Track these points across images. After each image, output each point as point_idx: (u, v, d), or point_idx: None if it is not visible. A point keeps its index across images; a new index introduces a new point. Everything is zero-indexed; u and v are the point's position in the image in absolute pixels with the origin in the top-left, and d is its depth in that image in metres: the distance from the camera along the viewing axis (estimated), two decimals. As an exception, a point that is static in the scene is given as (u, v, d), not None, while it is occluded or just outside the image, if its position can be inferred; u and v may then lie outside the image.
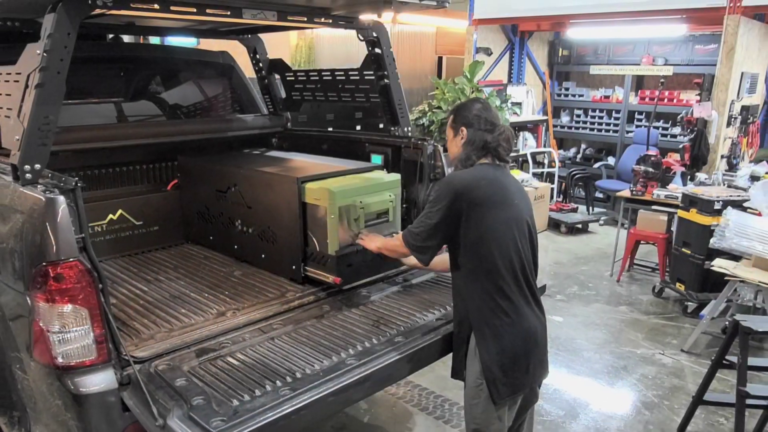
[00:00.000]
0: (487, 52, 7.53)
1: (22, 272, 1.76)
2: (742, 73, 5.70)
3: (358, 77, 3.09)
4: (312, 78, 3.44)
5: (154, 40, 4.23)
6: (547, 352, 2.13)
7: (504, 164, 2.10)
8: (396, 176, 2.72)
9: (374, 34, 2.82)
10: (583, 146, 8.20)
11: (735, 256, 3.66)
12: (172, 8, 2.05)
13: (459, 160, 2.10)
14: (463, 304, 2.04)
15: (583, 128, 7.91)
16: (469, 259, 1.98)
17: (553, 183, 7.13)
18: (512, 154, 6.91)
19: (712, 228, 3.93)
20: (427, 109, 7.16)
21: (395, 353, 2.00)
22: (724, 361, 2.84)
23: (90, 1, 1.87)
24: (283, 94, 3.70)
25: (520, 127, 7.56)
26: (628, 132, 7.39)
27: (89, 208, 2.09)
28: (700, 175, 5.13)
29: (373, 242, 2.42)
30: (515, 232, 1.97)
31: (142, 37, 4.08)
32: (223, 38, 3.63)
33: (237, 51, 3.76)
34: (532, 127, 7.83)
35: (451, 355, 2.18)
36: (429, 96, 7.58)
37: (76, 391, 1.69)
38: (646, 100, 7.21)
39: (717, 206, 4.06)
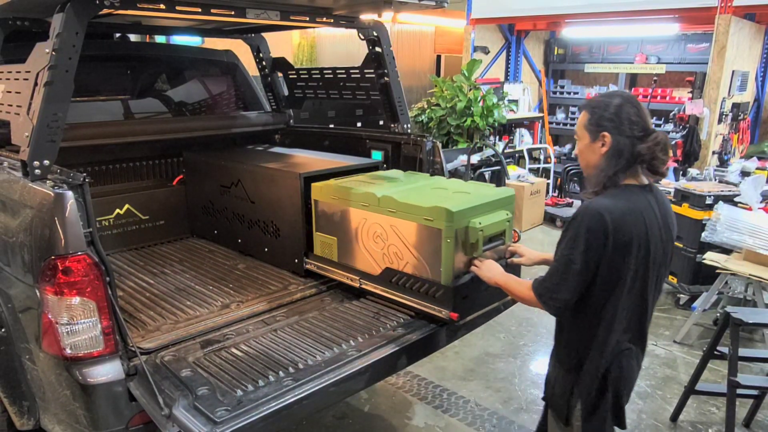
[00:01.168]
0: (485, 50, 7.58)
1: (31, 265, 1.79)
2: (733, 71, 5.77)
3: (358, 75, 3.13)
4: (314, 76, 3.47)
5: (159, 38, 4.25)
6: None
7: (657, 179, 1.68)
8: (511, 191, 2.36)
9: (374, 33, 2.86)
10: (578, 143, 8.27)
11: (726, 250, 3.73)
12: (178, 8, 2.08)
13: (599, 178, 1.64)
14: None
15: (579, 125, 7.97)
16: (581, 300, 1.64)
17: (548, 178, 7.19)
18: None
19: (703, 222, 4.00)
20: (426, 106, 7.22)
21: (395, 344, 2.04)
22: (715, 352, 2.90)
23: (98, 1, 1.90)
24: (286, 92, 3.74)
25: (516, 123, 7.62)
26: (622, 129, 7.45)
27: (97, 202, 2.13)
28: (692, 171, 5.20)
29: (490, 272, 2.00)
30: (645, 283, 1.64)
31: (148, 35, 4.10)
32: (227, 37, 3.67)
33: (241, 50, 3.79)
34: (529, 123, 7.90)
35: (445, 346, 2.18)
36: (428, 93, 7.63)
37: (84, 381, 1.73)
38: (640, 97, 7.27)
39: (708, 201, 4.13)
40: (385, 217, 2.25)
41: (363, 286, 2.37)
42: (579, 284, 1.60)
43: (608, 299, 1.61)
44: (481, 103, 6.66)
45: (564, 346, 1.77)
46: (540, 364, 3.58)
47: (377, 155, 3.07)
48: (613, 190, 1.63)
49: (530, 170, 7.06)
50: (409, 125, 3.06)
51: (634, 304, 1.65)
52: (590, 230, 1.55)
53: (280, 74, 3.74)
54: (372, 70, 3.01)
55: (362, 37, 2.88)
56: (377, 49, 2.91)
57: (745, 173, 4.82)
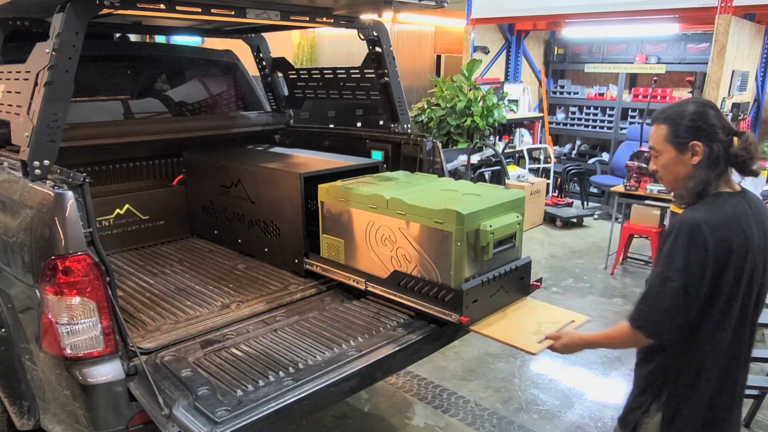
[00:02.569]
0: (485, 50, 7.58)
1: (31, 265, 1.79)
2: (733, 71, 5.77)
3: (359, 75, 3.13)
4: (314, 76, 3.48)
5: (160, 38, 4.26)
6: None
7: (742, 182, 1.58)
8: (521, 194, 2.33)
9: (375, 33, 2.86)
10: (578, 142, 8.27)
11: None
12: (178, 8, 2.08)
13: (695, 189, 1.53)
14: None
15: (578, 125, 7.98)
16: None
17: (548, 178, 7.19)
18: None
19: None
20: (426, 106, 7.22)
21: (395, 344, 2.04)
22: (714, 353, 2.90)
23: (98, 1, 1.90)
24: (286, 92, 3.75)
25: (516, 123, 7.62)
26: (621, 129, 7.46)
27: (97, 203, 2.13)
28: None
29: (571, 345, 1.78)
30: (747, 298, 1.53)
31: (148, 35, 4.11)
32: (227, 37, 3.67)
33: (241, 50, 3.80)
34: (529, 123, 7.90)
35: (445, 346, 2.18)
36: (428, 93, 7.63)
37: (84, 381, 1.73)
38: (640, 97, 7.28)
39: (709, 202, 4.12)
40: (393, 220, 2.24)
41: (370, 289, 2.37)
42: (684, 303, 1.46)
43: (705, 318, 1.50)
44: (481, 103, 6.66)
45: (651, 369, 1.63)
46: (540, 364, 3.59)
47: (377, 155, 3.07)
48: (708, 199, 1.52)
49: (530, 170, 7.06)
50: (409, 125, 3.06)
51: (734, 323, 1.53)
52: (688, 244, 1.44)
53: (280, 74, 3.74)
54: (372, 70, 3.01)
55: (362, 37, 2.88)
56: (377, 49, 2.91)
57: (744, 173, 4.82)
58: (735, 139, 1.52)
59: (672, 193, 1.62)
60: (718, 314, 1.50)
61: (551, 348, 1.82)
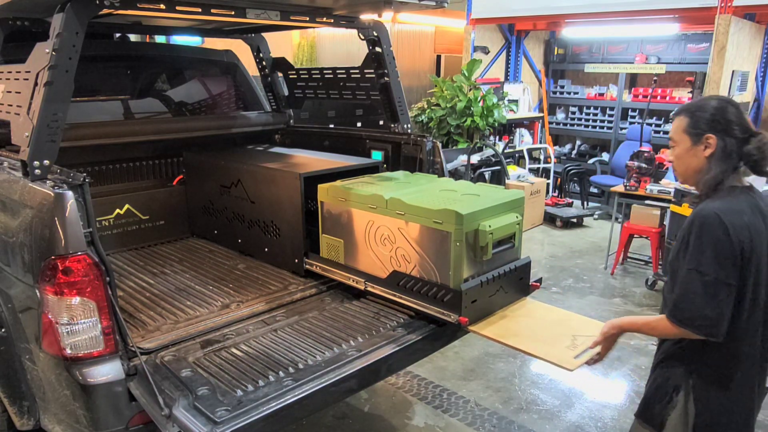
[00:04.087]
0: (485, 50, 7.58)
1: (31, 265, 1.79)
2: (733, 71, 5.77)
3: (359, 75, 3.13)
4: (314, 76, 3.48)
5: (159, 38, 4.26)
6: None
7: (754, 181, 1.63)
8: (521, 194, 2.34)
9: (375, 33, 2.86)
10: (578, 142, 8.27)
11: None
12: (178, 8, 2.08)
13: (707, 181, 1.58)
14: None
15: (578, 125, 7.98)
16: None
17: (548, 178, 7.19)
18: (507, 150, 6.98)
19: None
20: (426, 106, 7.22)
21: (395, 344, 2.04)
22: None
23: (98, 1, 1.90)
24: (286, 92, 3.75)
25: (516, 123, 7.63)
26: (621, 129, 7.46)
27: (97, 203, 2.13)
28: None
29: (610, 341, 1.76)
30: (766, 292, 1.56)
31: (148, 35, 4.11)
32: (227, 37, 3.67)
33: (241, 49, 3.80)
34: (529, 123, 7.90)
35: (445, 346, 2.19)
36: (428, 94, 7.63)
37: (84, 381, 1.73)
38: (640, 97, 7.28)
39: (709, 201, 4.13)
40: (393, 220, 2.24)
41: (369, 289, 2.37)
42: (724, 295, 1.46)
43: (737, 310, 1.51)
44: (481, 103, 6.66)
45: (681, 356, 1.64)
46: (540, 365, 3.59)
47: (377, 155, 3.07)
48: (722, 192, 1.57)
49: (530, 170, 7.06)
50: (409, 125, 3.06)
51: (758, 318, 1.54)
52: (711, 234, 1.47)
53: (280, 74, 3.74)
54: (372, 70, 3.01)
55: (362, 37, 2.88)
56: (377, 49, 2.92)
57: (745, 173, 4.82)
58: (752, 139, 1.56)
59: (682, 194, 1.64)
60: (747, 305, 1.51)
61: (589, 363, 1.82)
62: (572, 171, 7.42)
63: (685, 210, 4.32)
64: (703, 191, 1.60)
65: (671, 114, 1.56)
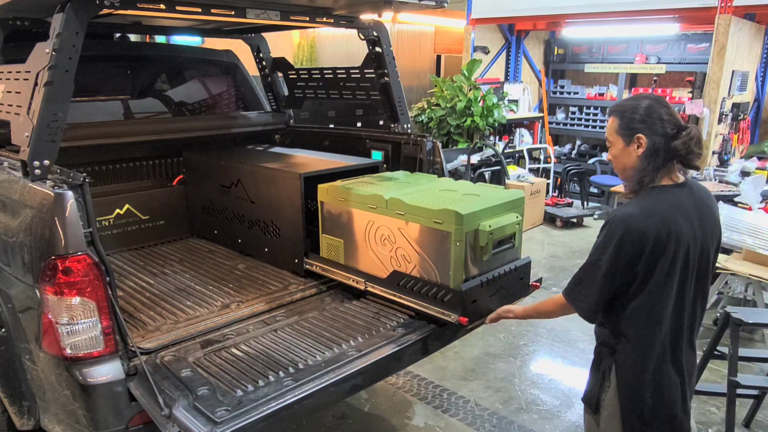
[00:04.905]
0: (485, 50, 7.59)
1: (31, 265, 1.79)
2: (733, 71, 5.78)
3: (359, 75, 3.13)
4: (314, 76, 3.48)
5: (159, 38, 4.26)
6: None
7: (689, 174, 1.73)
8: (520, 194, 2.34)
9: (375, 33, 2.86)
10: (578, 142, 8.28)
11: (726, 250, 3.73)
12: (178, 8, 2.08)
13: (637, 179, 1.67)
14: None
15: (578, 125, 7.98)
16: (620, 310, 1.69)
17: (548, 178, 7.19)
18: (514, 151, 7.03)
19: (704, 223, 4.00)
20: (426, 106, 7.22)
21: (395, 344, 2.04)
22: (715, 352, 2.91)
23: (98, 1, 1.90)
24: (286, 92, 3.75)
25: (516, 123, 7.63)
26: (622, 129, 7.46)
27: (97, 203, 2.13)
28: (692, 171, 5.19)
29: (518, 308, 2.07)
30: (682, 285, 1.66)
31: (148, 35, 4.11)
32: (227, 37, 3.67)
33: (241, 50, 3.80)
34: (529, 123, 7.90)
35: (445, 346, 2.20)
36: (428, 93, 7.64)
37: (84, 381, 1.73)
38: (641, 97, 7.28)
39: (709, 202, 4.13)
40: (393, 220, 2.24)
41: (369, 289, 2.37)
42: (604, 287, 1.65)
43: (642, 299, 1.64)
44: (481, 103, 6.66)
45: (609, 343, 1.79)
46: (540, 365, 3.59)
47: (377, 155, 3.07)
48: (647, 191, 1.66)
49: (530, 170, 7.07)
50: (409, 125, 3.06)
51: (673, 304, 1.66)
52: (618, 236, 1.59)
53: (280, 74, 3.74)
54: (372, 70, 3.01)
55: (362, 37, 2.88)
56: (377, 49, 2.91)
57: (745, 173, 4.83)
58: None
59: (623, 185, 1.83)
60: (654, 296, 1.64)
61: (502, 316, 2.07)
62: (572, 171, 7.42)
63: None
64: (635, 188, 1.70)
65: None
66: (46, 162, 1.86)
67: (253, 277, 2.68)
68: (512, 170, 6.57)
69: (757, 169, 4.98)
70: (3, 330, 2.03)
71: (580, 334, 4.05)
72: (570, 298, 1.74)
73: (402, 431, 2.92)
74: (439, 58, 9.75)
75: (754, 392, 2.91)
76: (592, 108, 7.83)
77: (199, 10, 2.16)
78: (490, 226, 2.08)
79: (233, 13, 2.27)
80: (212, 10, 2.20)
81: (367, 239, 2.38)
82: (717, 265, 3.58)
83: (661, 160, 1.63)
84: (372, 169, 2.86)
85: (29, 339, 1.89)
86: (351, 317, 2.26)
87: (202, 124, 3.52)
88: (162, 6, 2.04)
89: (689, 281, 1.67)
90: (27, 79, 1.92)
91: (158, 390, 1.67)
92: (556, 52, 8.22)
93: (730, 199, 4.09)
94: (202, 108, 3.73)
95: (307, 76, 3.54)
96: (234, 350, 1.99)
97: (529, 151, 7.39)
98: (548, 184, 7.06)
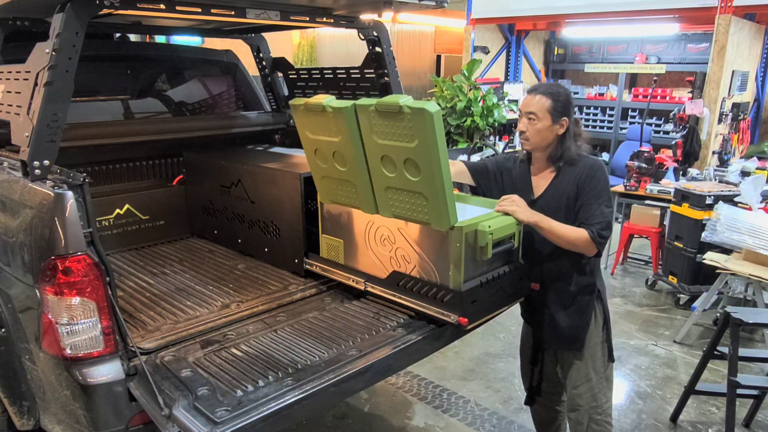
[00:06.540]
0: (485, 50, 7.59)
1: (31, 265, 1.79)
2: (733, 71, 5.78)
3: (358, 75, 3.13)
4: (314, 76, 3.47)
5: (159, 38, 4.26)
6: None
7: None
8: None
9: (374, 33, 2.86)
10: (578, 143, 8.28)
11: (726, 250, 3.73)
12: (178, 8, 2.08)
13: (558, 153, 2.08)
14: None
15: (579, 125, 7.99)
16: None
17: (548, 179, 7.19)
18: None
19: (703, 222, 4.01)
20: (424, 106, 7.21)
21: (396, 345, 2.03)
22: (715, 352, 2.91)
23: (98, 1, 1.90)
24: (286, 92, 3.74)
25: (516, 123, 7.62)
26: (621, 129, 7.47)
27: (97, 202, 2.13)
28: (692, 171, 5.21)
29: (528, 211, 2.09)
30: None
31: (148, 35, 4.11)
32: (227, 37, 3.66)
33: (241, 49, 3.79)
34: (528, 124, 7.89)
35: (445, 346, 2.21)
36: (428, 93, 7.64)
37: (83, 381, 1.73)
38: (640, 97, 7.29)
39: (708, 201, 4.14)
40: (392, 220, 2.23)
41: (369, 289, 2.36)
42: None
43: None
44: (481, 103, 6.66)
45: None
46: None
47: (377, 155, 3.06)
48: (579, 159, 2.09)
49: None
50: (409, 125, 3.05)
51: None
52: (606, 177, 2.06)
53: (280, 74, 3.74)
54: (372, 70, 3.01)
55: (362, 37, 2.88)
56: (377, 49, 2.91)
57: (745, 173, 4.83)
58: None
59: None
60: None
61: (506, 210, 2.12)
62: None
63: (686, 210, 4.32)
64: (557, 162, 2.10)
65: (527, 88, 2.29)
66: (46, 162, 1.85)
67: (253, 277, 2.68)
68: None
69: (757, 169, 4.98)
70: (3, 330, 2.03)
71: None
72: (599, 242, 1.98)
73: (402, 431, 2.92)
74: (439, 58, 9.76)
75: (754, 392, 2.92)
76: (592, 108, 7.84)
77: (199, 10, 2.16)
78: (489, 227, 2.08)
79: (233, 13, 2.27)
80: (212, 10, 2.19)
81: (367, 239, 2.38)
82: (717, 264, 3.60)
83: (571, 139, 2.06)
84: (372, 169, 2.85)
85: (29, 339, 1.89)
86: (351, 317, 2.26)
87: (202, 124, 3.51)
88: (162, 6, 2.04)
89: None
90: (27, 79, 1.92)
91: (158, 390, 1.67)
92: (556, 52, 8.23)
93: (730, 199, 4.08)
94: (202, 108, 3.73)
95: (307, 76, 3.53)
96: (234, 350, 1.98)
97: (529, 151, 7.38)
98: (548, 184, 7.05)
